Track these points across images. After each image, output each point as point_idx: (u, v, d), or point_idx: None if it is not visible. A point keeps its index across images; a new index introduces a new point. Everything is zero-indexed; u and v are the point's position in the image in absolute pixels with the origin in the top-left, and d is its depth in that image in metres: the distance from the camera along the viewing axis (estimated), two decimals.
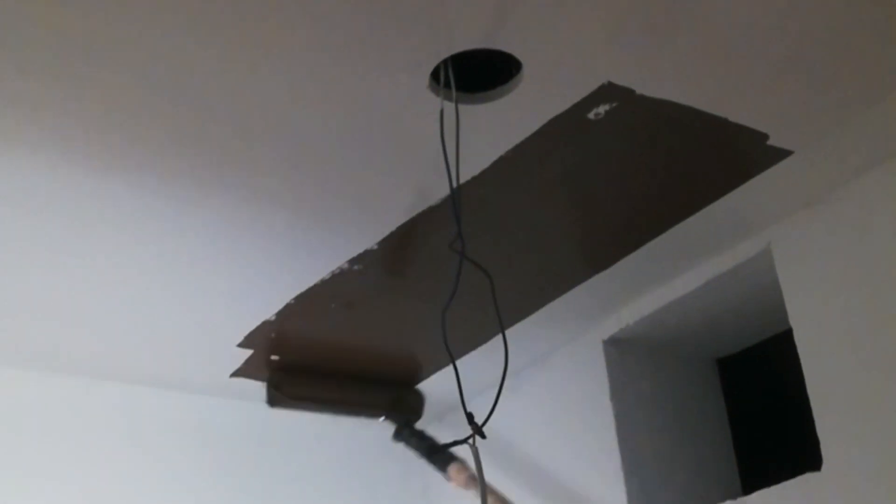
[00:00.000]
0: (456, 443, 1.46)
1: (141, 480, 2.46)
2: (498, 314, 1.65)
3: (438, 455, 2.45)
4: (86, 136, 1.64)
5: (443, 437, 2.52)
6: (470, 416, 1.46)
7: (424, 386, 2.65)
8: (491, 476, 1.45)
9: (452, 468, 2.39)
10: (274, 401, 2.44)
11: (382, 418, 2.59)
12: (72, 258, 1.98)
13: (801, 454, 2.06)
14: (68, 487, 2.37)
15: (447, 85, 1.56)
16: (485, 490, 1.41)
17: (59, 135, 1.63)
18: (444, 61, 1.54)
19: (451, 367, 2.44)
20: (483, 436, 1.45)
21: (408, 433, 2.55)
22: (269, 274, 2.09)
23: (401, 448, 2.72)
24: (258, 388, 2.55)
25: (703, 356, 2.59)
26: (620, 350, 2.47)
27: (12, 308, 2.14)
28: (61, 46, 1.45)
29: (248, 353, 2.39)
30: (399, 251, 2.02)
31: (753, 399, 2.54)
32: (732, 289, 2.26)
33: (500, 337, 2.37)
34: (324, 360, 2.45)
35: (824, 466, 1.94)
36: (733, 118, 1.73)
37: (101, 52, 1.47)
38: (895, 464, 1.82)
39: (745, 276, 2.21)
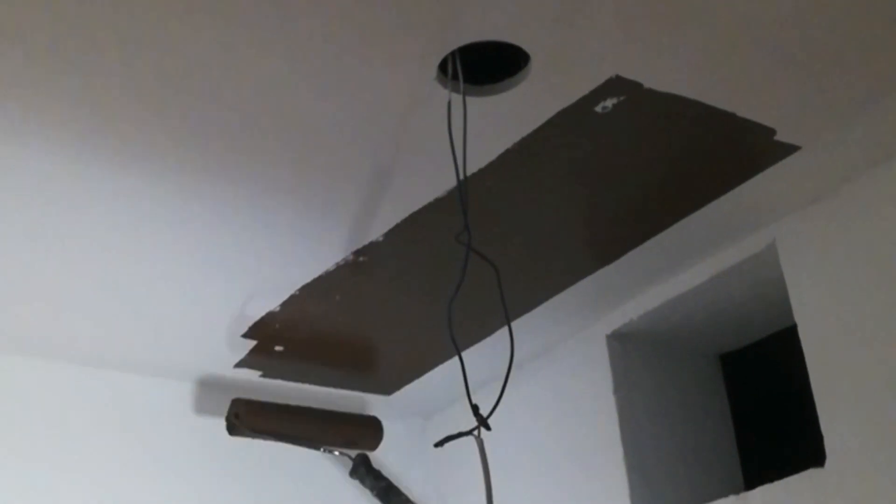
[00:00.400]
0: (461, 434, 1.47)
1: (142, 470, 2.46)
2: (504, 306, 1.65)
3: (392, 496, 2.53)
4: (92, 126, 1.64)
5: (445, 430, 2.52)
6: (475, 408, 1.46)
7: (427, 378, 2.65)
8: (493, 469, 1.45)
9: None
10: (233, 430, 2.51)
11: (337, 453, 2.63)
12: (76, 246, 1.98)
13: (804, 450, 2.06)
14: (67, 476, 2.36)
15: (455, 77, 1.56)
16: (489, 484, 1.41)
17: (65, 124, 1.63)
18: (452, 53, 1.54)
19: (452, 360, 2.49)
20: (488, 427, 1.45)
21: (363, 470, 2.59)
22: (275, 264, 2.09)
23: (403, 440, 2.74)
24: (262, 380, 2.56)
25: (706, 351, 2.59)
26: (624, 345, 2.47)
27: (17, 296, 2.14)
28: (70, 35, 1.45)
29: (252, 343, 2.39)
30: (405, 243, 2.02)
31: (756, 395, 2.54)
32: (737, 284, 2.26)
33: (501, 330, 2.41)
34: (286, 402, 2.59)
35: (828, 462, 1.94)
36: (741, 113, 1.73)
37: (109, 42, 1.47)
38: None
39: (750, 271, 2.21)
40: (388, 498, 2.55)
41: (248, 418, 2.49)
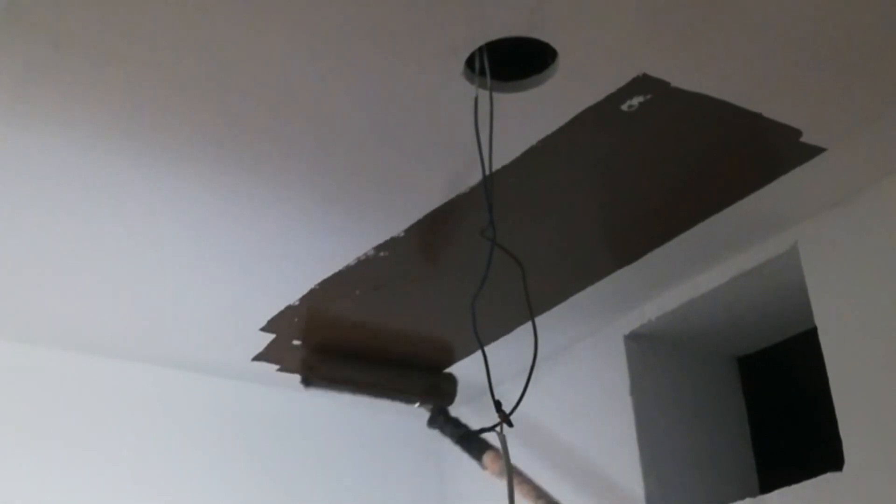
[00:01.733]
0: (483, 430, 1.47)
1: (158, 461, 2.46)
2: (528, 302, 1.64)
3: (473, 443, 2.39)
4: (117, 115, 1.64)
5: (467, 423, 2.52)
6: (498, 404, 1.46)
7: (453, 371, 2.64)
8: (515, 466, 1.45)
9: (487, 457, 2.33)
10: (308, 382, 2.39)
11: (417, 404, 2.54)
12: (96, 237, 1.98)
13: (822, 455, 2.05)
14: (86, 466, 2.37)
15: (482, 73, 1.56)
16: (511, 476, 1.41)
17: (91, 112, 1.64)
18: (480, 49, 1.54)
19: (476, 354, 2.48)
20: (510, 424, 1.45)
21: (442, 420, 2.49)
22: (295, 258, 2.09)
23: (417, 435, 2.73)
24: (279, 373, 2.57)
25: (724, 353, 2.58)
26: (641, 345, 2.46)
27: (34, 285, 2.14)
28: (101, 25, 1.45)
29: (270, 337, 2.39)
30: (427, 238, 2.02)
31: (773, 398, 2.53)
32: (757, 287, 2.25)
33: (522, 327, 2.40)
34: (355, 344, 2.42)
35: (846, 467, 1.93)
36: (767, 114, 1.73)
37: (134, 29, 1.47)
38: None
39: (771, 274, 2.20)
40: (470, 445, 2.41)
41: (322, 369, 2.39)
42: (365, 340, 2.42)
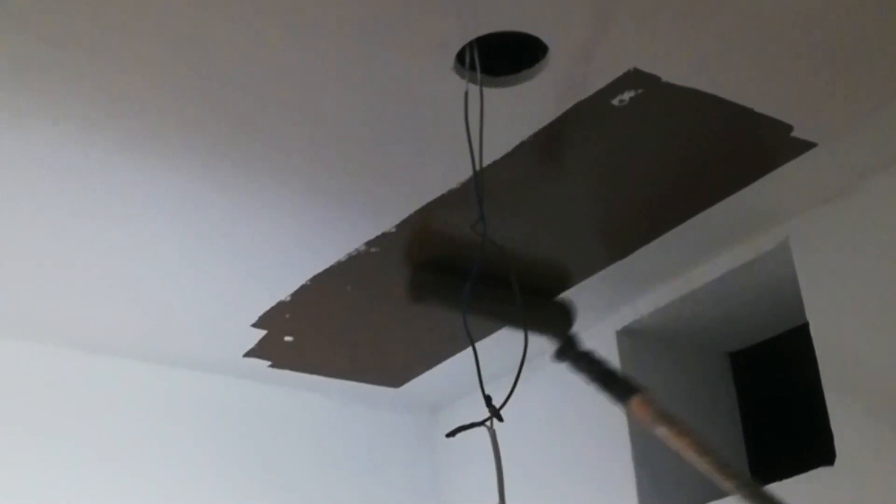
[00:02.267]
0: (473, 424, 1.47)
1: (150, 457, 2.46)
2: (518, 297, 1.64)
3: (615, 382, 1.88)
4: (112, 112, 1.64)
5: (453, 425, 2.51)
6: (488, 399, 1.46)
7: (436, 371, 2.64)
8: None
9: (635, 401, 1.81)
10: (419, 299, 2.01)
11: (538, 333, 2.03)
12: (87, 232, 1.98)
13: (813, 449, 2.06)
14: (79, 462, 2.37)
15: (472, 67, 1.56)
16: (501, 473, 1.40)
17: (86, 110, 1.63)
18: (470, 43, 1.54)
19: (460, 354, 2.49)
20: (500, 419, 1.45)
21: (575, 353, 1.95)
22: (286, 254, 2.08)
23: (411, 432, 2.71)
24: (271, 370, 2.56)
25: (716, 349, 2.58)
26: (634, 341, 2.46)
27: (26, 283, 2.14)
28: (92, 18, 1.45)
29: (262, 333, 2.39)
30: (417, 234, 2.01)
31: (766, 393, 2.53)
32: (749, 282, 2.25)
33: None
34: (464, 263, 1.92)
35: (838, 461, 1.94)
36: (759, 108, 1.73)
37: (124, 24, 1.46)
38: None
39: (762, 269, 2.21)
40: (610, 386, 1.89)
41: (433, 286, 2.05)
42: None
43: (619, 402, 1.85)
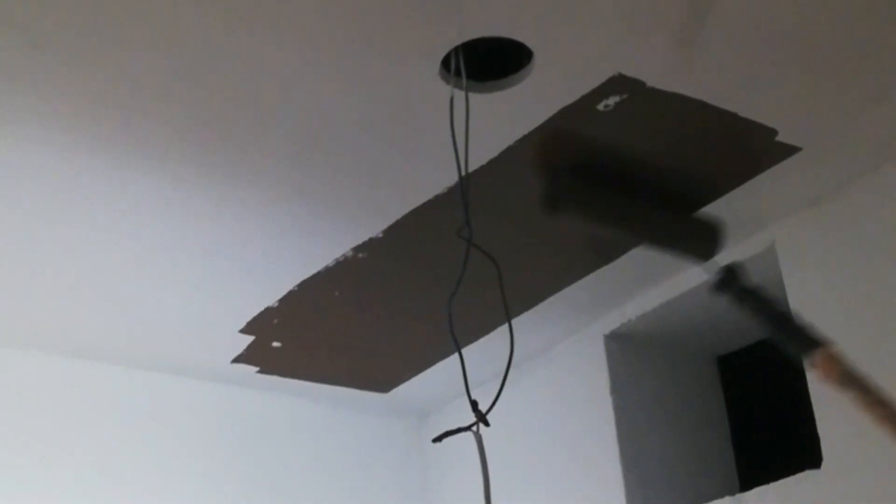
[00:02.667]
0: (460, 429, 1.46)
1: (137, 463, 2.46)
2: (504, 302, 1.64)
3: (795, 331, 1.44)
4: (98, 117, 1.64)
5: (441, 430, 2.51)
6: (474, 404, 1.45)
7: (424, 377, 2.64)
8: (490, 468, 1.43)
9: (821, 355, 1.38)
10: (555, 208, 1.45)
11: (679, 254, 1.59)
12: (75, 239, 1.97)
13: (800, 452, 2.06)
14: (66, 468, 2.36)
15: (458, 73, 1.56)
16: (487, 478, 1.40)
17: (72, 115, 1.63)
18: (455, 49, 1.54)
19: (448, 359, 2.48)
20: (487, 423, 1.45)
21: (739, 288, 1.49)
22: (273, 260, 2.08)
23: (400, 435, 2.70)
24: (259, 375, 2.56)
25: (703, 353, 2.59)
26: (622, 345, 2.47)
27: (12, 288, 2.13)
28: (79, 26, 1.45)
29: (249, 339, 2.39)
30: (405, 239, 2.01)
31: (753, 397, 2.54)
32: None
33: (498, 330, 2.40)
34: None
35: (824, 464, 1.94)
36: (743, 113, 1.73)
37: (117, 32, 1.47)
38: (895, 463, 1.82)
39: (749, 273, 2.20)
40: (789, 334, 1.45)
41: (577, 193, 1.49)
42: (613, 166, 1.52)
43: (800, 355, 1.46)
